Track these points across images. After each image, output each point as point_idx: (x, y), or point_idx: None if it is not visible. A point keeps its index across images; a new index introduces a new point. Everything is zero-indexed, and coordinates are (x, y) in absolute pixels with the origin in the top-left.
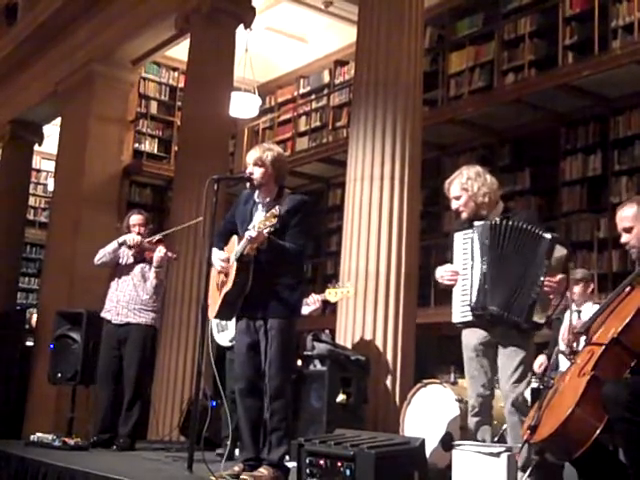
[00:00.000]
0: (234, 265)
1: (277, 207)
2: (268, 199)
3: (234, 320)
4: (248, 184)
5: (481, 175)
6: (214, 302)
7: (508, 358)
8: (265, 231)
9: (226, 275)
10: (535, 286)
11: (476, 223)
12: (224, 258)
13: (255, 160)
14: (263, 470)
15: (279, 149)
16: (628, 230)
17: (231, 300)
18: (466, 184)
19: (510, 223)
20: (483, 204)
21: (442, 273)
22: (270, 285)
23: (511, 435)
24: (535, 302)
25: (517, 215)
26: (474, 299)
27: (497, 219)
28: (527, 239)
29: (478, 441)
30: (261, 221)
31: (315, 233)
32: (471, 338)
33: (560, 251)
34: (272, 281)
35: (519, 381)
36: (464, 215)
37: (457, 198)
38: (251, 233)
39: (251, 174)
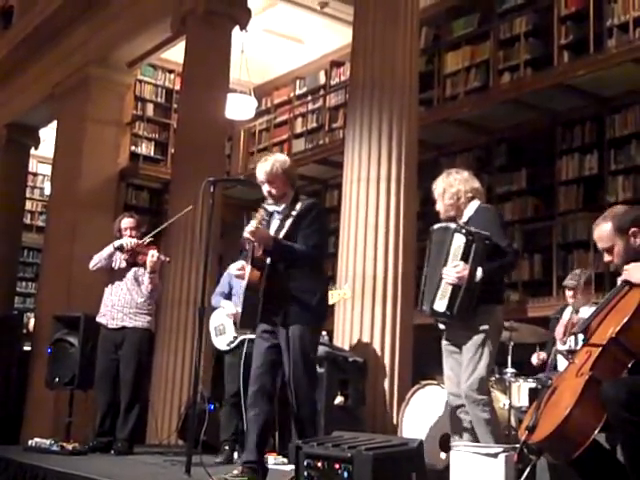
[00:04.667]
0: (247, 270)
1: (262, 207)
2: (284, 206)
3: (231, 324)
4: (270, 200)
5: (454, 179)
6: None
7: (463, 355)
8: (253, 226)
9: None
10: (439, 276)
11: (430, 228)
12: (240, 267)
13: (267, 177)
14: None
15: (282, 155)
16: (608, 250)
17: (249, 306)
18: (436, 187)
19: (442, 225)
20: (450, 206)
21: None
22: (288, 290)
23: (478, 433)
24: (437, 290)
25: (475, 216)
26: (418, 302)
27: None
28: (445, 236)
29: (456, 440)
30: (256, 217)
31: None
32: (443, 338)
33: (458, 240)
34: (290, 286)
35: (470, 377)
36: (440, 216)
37: (435, 200)
38: (247, 229)
39: (270, 192)
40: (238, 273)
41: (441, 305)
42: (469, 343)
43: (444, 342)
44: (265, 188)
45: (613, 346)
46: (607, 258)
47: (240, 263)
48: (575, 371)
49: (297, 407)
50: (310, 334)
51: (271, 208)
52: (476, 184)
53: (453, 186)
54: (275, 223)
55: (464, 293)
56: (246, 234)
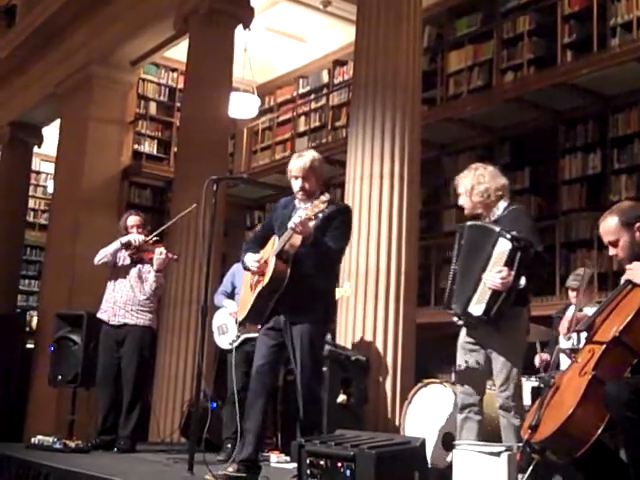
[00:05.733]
0: (272, 261)
1: (326, 194)
2: (310, 204)
3: (234, 323)
4: (300, 194)
5: (481, 175)
6: (244, 305)
7: (494, 362)
8: (311, 224)
9: (262, 274)
10: (476, 278)
11: (460, 224)
12: (258, 259)
13: (303, 173)
14: None
15: (316, 152)
16: (614, 244)
17: (264, 298)
18: (464, 182)
19: (478, 223)
20: (477, 203)
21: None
22: (307, 286)
23: (503, 436)
24: (473, 293)
25: (506, 215)
26: (445, 299)
27: (473, 221)
28: (485, 237)
29: (464, 438)
30: (308, 208)
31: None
32: (461, 336)
33: (503, 245)
34: (309, 282)
35: (503, 386)
36: (465, 212)
37: (460, 195)
38: (295, 220)
39: (303, 187)
40: (256, 265)
41: (478, 309)
42: (500, 349)
43: (464, 339)
44: (298, 183)
45: (616, 345)
46: (612, 252)
47: (257, 256)
48: (578, 370)
49: (304, 407)
50: (319, 333)
51: (297, 204)
52: (503, 180)
53: (482, 183)
54: (308, 208)
55: (503, 299)
56: (293, 222)
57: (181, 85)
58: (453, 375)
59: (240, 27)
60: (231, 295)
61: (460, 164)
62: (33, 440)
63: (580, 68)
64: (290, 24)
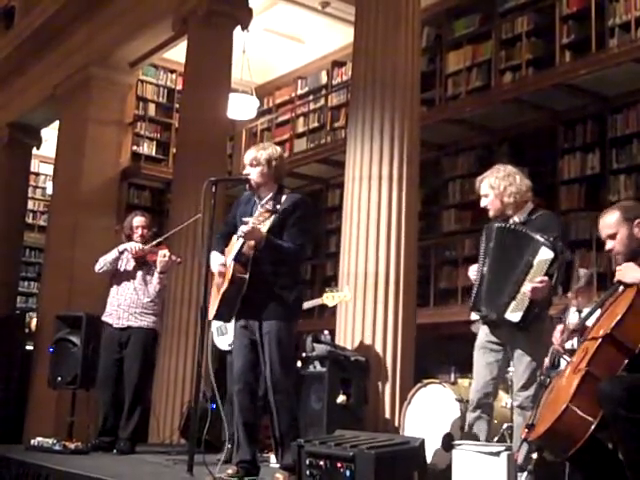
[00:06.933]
0: (231, 265)
1: (271, 202)
2: (267, 198)
3: (233, 324)
4: (247, 185)
5: (510, 175)
6: (213, 305)
7: (516, 361)
8: (261, 227)
9: (224, 276)
10: (514, 284)
11: (487, 225)
12: (222, 262)
13: (250, 160)
14: (279, 475)
15: (276, 147)
16: (612, 237)
17: (229, 300)
18: (494, 183)
19: (512, 226)
20: (509, 204)
21: (471, 271)
22: (268, 286)
23: (515, 435)
24: (511, 299)
25: (536, 219)
26: (472, 299)
27: (501, 223)
28: (523, 243)
29: (474, 436)
30: (254, 217)
31: (314, 234)
32: (481, 334)
33: (546, 254)
34: (270, 282)
35: (525, 386)
36: (491, 213)
37: (485, 196)
38: (243, 228)
39: (248, 175)
40: (221, 269)
41: (516, 316)
42: (527, 350)
43: (487, 337)
44: (245, 171)
45: (608, 341)
46: (609, 246)
47: (222, 259)
48: (573, 369)
49: (276, 406)
50: (285, 330)
51: (256, 199)
52: (528, 181)
53: (512, 184)
54: (256, 214)
55: (539, 306)
56: (242, 231)
57: (180, 86)
58: (452, 375)
59: (238, 28)
60: None
61: (459, 165)
62: (33, 442)
63: (579, 68)
64: (288, 25)
